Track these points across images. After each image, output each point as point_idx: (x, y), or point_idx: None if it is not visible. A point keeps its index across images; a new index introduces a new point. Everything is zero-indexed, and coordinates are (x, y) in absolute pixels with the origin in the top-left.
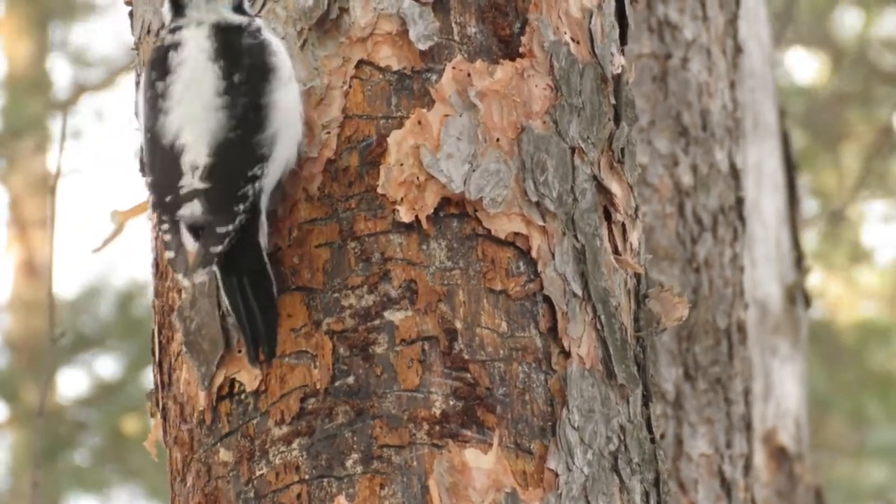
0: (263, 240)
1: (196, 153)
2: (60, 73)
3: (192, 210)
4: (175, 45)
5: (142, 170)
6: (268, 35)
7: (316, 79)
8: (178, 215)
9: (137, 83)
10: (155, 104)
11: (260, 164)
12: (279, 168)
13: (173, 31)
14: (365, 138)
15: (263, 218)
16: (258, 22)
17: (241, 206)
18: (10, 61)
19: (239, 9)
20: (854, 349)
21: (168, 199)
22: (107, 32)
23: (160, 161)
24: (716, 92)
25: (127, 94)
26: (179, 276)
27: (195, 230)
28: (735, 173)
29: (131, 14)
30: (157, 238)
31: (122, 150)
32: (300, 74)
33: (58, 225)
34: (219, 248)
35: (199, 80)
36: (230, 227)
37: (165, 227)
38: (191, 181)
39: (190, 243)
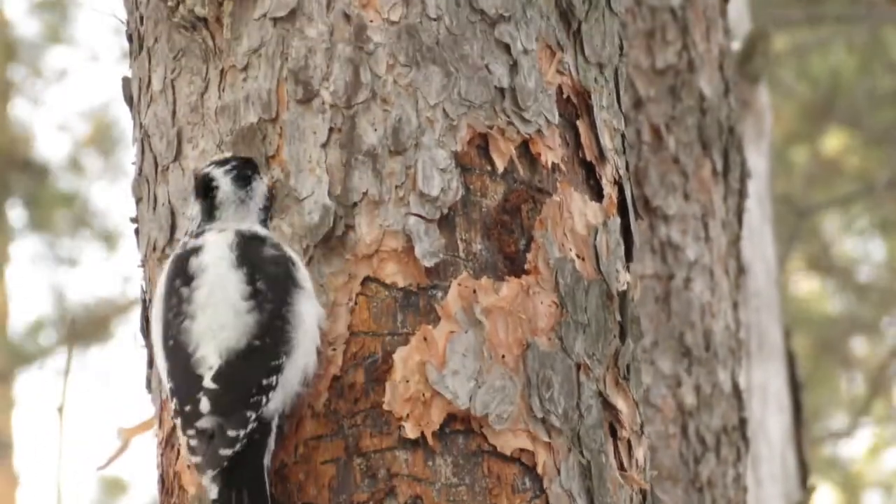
0: (268, 460)
1: (213, 357)
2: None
3: (202, 411)
4: (196, 250)
5: (148, 386)
6: (289, 250)
7: (321, 295)
8: (199, 425)
9: (143, 300)
10: (179, 310)
11: (274, 375)
12: (291, 383)
13: (197, 235)
14: (371, 355)
15: (272, 439)
16: (278, 239)
17: (253, 414)
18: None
19: (264, 223)
20: None
21: (188, 408)
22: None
23: (181, 370)
24: (718, 312)
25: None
26: (203, 476)
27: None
28: (738, 393)
29: (137, 231)
30: (162, 454)
31: (123, 369)
32: None
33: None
34: (229, 452)
35: (224, 285)
36: (241, 432)
37: (191, 432)
38: (205, 384)
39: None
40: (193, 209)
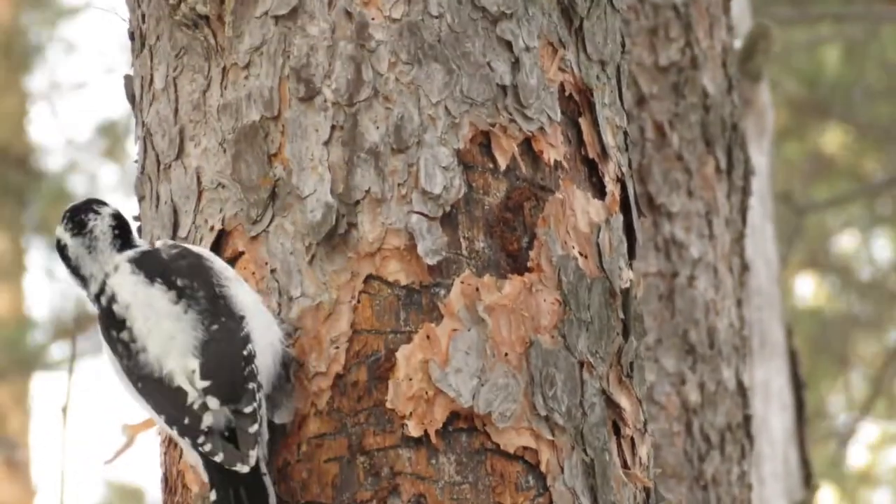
0: (262, 450)
1: (186, 362)
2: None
3: (212, 410)
4: (111, 300)
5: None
6: (185, 244)
7: (324, 293)
8: (204, 427)
9: None
10: (129, 353)
11: (248, 343)
12: (265, 360)
13: (100, 292)
14: (373, 353)
15: (264, 427)
16: (160, 243)
17: (255, 384)
18: None
19: (127, 245)
20: None
21: (187, 421)
22: None
23: (161, 396)
24: (722, 310)
25: None
26: (238, 467)
27: (223, 436)
28: (742, 391)
29: (140, 230)
30: (165, 453)
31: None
32: (308, 289)
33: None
34: (255, 427)
35: (151, 305)
36: (254, 405)
37: (201, 439)
38: (195, 391)
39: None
40: (80, 281)
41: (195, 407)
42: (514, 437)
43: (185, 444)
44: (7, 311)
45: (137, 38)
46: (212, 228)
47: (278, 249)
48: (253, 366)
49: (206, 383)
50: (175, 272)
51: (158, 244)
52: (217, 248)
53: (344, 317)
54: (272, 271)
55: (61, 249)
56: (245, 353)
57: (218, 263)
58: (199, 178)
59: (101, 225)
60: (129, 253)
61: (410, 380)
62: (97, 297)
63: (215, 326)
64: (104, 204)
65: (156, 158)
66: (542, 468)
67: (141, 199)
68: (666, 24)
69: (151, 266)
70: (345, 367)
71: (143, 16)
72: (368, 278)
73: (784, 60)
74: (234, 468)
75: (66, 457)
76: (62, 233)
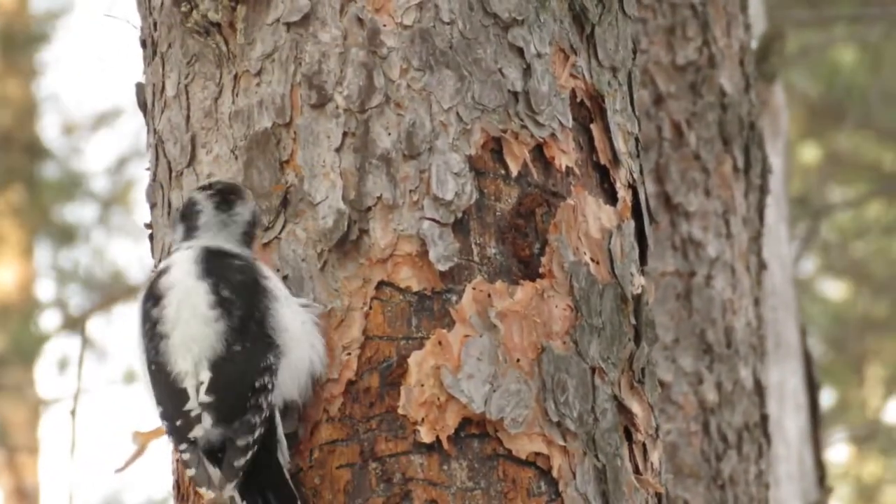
0: (283, 457)
1: (198, 370)
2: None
3: (204, 426)
4: (163, 271)
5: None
6: (259, 264)
7: (336, 300)
8: (192, 437)
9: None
10: (154, 333)
11: (265, 375)
12: (291, 384)
13: (169, 255)
14: (385, 359)
15: (281, 434)
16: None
17: (257, 419)
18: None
19: (244, 245)
20: None
21: (179, 423)
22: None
23: (166, 389)
24: (740, 309)
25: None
26: (203, 490)
27: (213, 455)
28: (759, 390)
29: (151, 237)
30: (177, 460)
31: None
32: (320, 296)
33: (49, 449)
34: (242, 461)
35: (190, 298)
36: (250, 440)
37: (183, 447)
38: (196, 401)
39: (210, 467)
40: (177, 232)
41: (192, 415)
42: (525, 443)
43: (170, 441)
44: (16, 297)
45: (149, 46)
46: None
47: (290, 256)
48: (262, 398)
49: (208, 399)
50: (227, 281)
51: (243, 251)
52: None
53: (356, 323)
54: (284, 278)
55: (191, 206)
56: (257, 384)
57: (273, 285)
58: None
59: (244, 214)
60: (219, 244)
61: (422, 386)
62: (165, 256)
63: (237, 347)
64: (251, 200)
65: (167, 166)
66: (554, 474)
67: (153, 206)
68: (683, 23)
69: (212, 264)
70: (357, 374)
71: (155, 23)
72: (380, 285)
73: (800, 62)
74: (199, 489)
75: (74, 460)
76: (203, 199)
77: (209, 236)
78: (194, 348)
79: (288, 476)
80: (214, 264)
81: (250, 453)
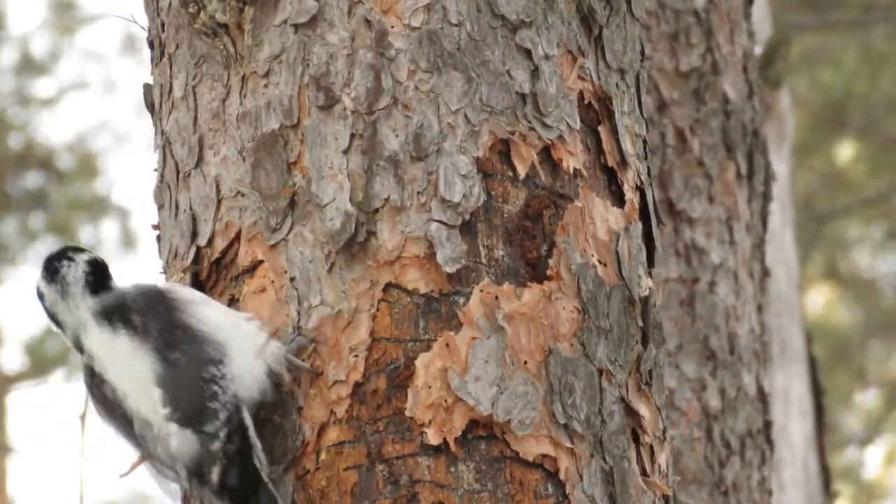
0: (260, 461)
1: (151, 394)
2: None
3: (174, 436)
4: (91, 359)
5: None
6: (151, 282)
7: (343, 302)
8: (172, 455)
9: None
10: (107, 401)
11: (212, 366)
12: (244, 377)
13: (76, 347)
14: (393, 361)
15: (254, 439)
16: (132, 285)
17: (216, 404)
18: None
19: (101, 286)
20: None
21: (158, 450)
22: None
23: (133, 430)
24: (743, 316)
25: None
26: (186, 486)
27: (198, 474)
28: (763, 397)
29: (159, 238)
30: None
31: None
32: (328, 298)
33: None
34: (217, 444)
35: (114, 349)
36: (216, 423)
37: (172, 475)
38: (160, 418)
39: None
40: (57, 325)
41: (161, 433)
42: (533, 445)
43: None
44: None
45: (157, 47)
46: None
47: (297, 258)
48: (217, 386)
49: (166, 410)
50: (134, 311)
51: (129, 286)
52: (234, 256)
53: (363, 325)
54: (291, 280)
55: (39, 297)
56: (207, 375)
57: (181, 293)
58: (218, 187)
59: (73, 272)
60: (93, 304)
61: (429, 388)
62: (77, 349)
63: (176, 354)
64: (80, 251)
65: (175, 167)
66: (562, 476)
67: (160, 207)
68: (687, 30)
69: (113, 311)
70: (364, 376)
71: (163, 24)
72: (388, 286)
73: (803, 70)
74: (190, 492)
75: (84, 465)
76: (39, 280)
77: (78, 302)
78: (134, 382)
79: (267, 479)
80: (113, 309)
81: (223, 435)
